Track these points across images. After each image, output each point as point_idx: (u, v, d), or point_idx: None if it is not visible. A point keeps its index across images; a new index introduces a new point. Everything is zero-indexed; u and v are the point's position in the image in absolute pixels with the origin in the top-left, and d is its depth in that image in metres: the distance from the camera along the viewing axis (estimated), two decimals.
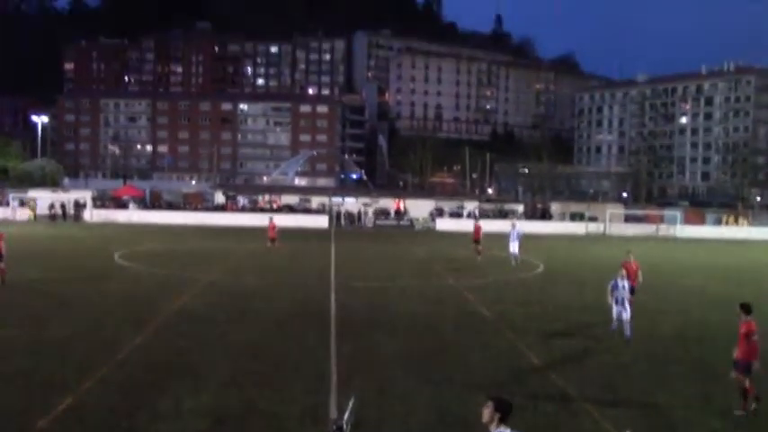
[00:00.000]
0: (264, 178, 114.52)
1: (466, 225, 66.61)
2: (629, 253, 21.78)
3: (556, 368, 14.05)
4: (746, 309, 12.20)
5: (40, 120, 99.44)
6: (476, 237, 36.43)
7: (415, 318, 19.24)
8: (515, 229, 33.55)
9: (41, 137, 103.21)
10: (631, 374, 13.80)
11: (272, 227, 40.84)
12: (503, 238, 36.03)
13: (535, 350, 15.54)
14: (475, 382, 12.77)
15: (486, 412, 6.01)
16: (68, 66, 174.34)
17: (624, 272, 18.02)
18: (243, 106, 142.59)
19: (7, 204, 68.21)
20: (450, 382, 12.79)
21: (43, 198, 69.11)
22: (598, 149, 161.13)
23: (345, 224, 68.48)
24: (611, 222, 69.38)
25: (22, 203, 68.62)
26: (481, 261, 34.47)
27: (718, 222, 74.19)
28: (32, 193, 71.40)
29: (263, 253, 37.34)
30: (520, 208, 78.89)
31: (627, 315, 16.80)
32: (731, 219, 74.43)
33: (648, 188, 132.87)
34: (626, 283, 17.38)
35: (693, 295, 25.72)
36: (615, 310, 17.17)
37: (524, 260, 34.24)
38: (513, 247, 32.96)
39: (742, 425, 11.12)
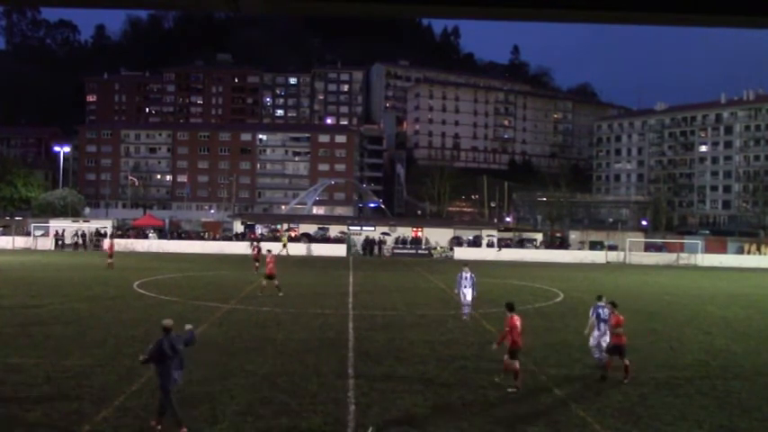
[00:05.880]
0: (283, 207, 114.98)
1: (485, 254, 66.78)
2: (601, 299, 17.84)
3: (577, 398, 13.86)
4: (510, 307, 15.51)
5: (62, 150, 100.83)
6: (269, 271, 30.81)
7: (433, 347, 19.10)
8: (467, 273, 25.09)
9: (63, 167, 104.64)
10: (654, 405, 13.57)
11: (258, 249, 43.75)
12: (520, 267, 35.76)
13: (555, 380, 15.35)
14: (494, 413, 12.62)
15: None
16: (91, 97, 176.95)
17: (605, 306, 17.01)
18: (262, 136, 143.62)
19: (28, 234, 68.96)
20: (470, 411, 12.64)
21: (65, 227, 69.72)
22: (617, 178, 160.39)
23: (364, 253, 68.42)
24: (632, 251, 68.92)
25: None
26: (283, 295, 29.70)
27: (740, 251, 73.37)
28: (54, 223, 72.00)
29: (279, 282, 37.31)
30: (539, 237, 78.49)
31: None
32: (753, 247, 73.57)
33: (668, 216, 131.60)
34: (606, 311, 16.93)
35: (716, 324, 25.34)
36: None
37: (544, 289, 33.97)
38: (466, 294, 24.83)
39: None
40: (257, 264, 42.14)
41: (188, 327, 12.29)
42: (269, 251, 33.81)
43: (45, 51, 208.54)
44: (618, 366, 15.95)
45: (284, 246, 61.82)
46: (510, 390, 14.30)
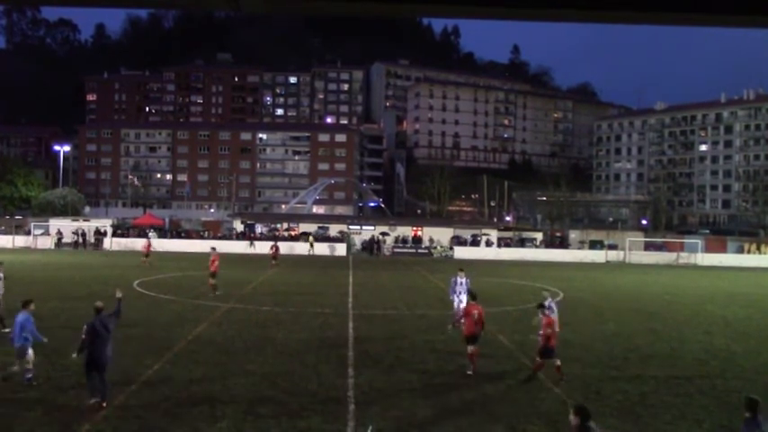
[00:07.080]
0: (283, 206, 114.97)
1: (484, 253, 66.83)
2: (543, 302, 17.39)
3: (577, 398, 13.85)
4: (472, 296, 17.12)
5: (62, 149, 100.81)
6: (213, 269, 30.29)
7: (433, 346, 19.09)
8: (462, 278, 23.26)
9: (63, 166, 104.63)
10: (653, 404, 13.57)
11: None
12: (520, 266, 35.74)
13: (554, 379, 15.33)
14: (493, 412, 12.61)
15: None
16: (91, 97, 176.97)
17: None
18: (262, 136, 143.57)
19: (28, 233, 68.96)
20: (469, 411, 12.64)
21: (65, 227, 69.76)
22: (617, 177, 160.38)
23: (365, 253, 68.39)
24: (631, 250, 68.92)
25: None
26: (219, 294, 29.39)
27: (740, 250, 73.37)
28: (54, 222, 72.04)
29: (279, 281, 37.35)
30: (539, 236, 78.48)
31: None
32: (753, 246, 73.57)
33: (668, 216, 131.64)
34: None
35: (716, 324, 25.33)
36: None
37: (545, 288, 33.83)
38: (461, 301, 22.38)
39: None
40: (274, 262, 46.68)
41: (118, 294, 13.38)
42: (213, 248, 33.94)
43: (45, 51, 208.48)
44: (616, 366, 15.96)
45: (311, 246, 63.93)
46: (468, 372, 15.59)
